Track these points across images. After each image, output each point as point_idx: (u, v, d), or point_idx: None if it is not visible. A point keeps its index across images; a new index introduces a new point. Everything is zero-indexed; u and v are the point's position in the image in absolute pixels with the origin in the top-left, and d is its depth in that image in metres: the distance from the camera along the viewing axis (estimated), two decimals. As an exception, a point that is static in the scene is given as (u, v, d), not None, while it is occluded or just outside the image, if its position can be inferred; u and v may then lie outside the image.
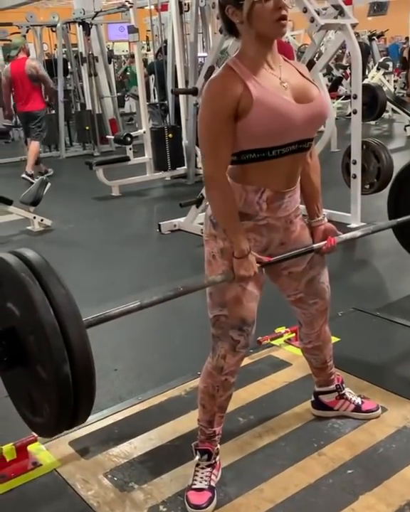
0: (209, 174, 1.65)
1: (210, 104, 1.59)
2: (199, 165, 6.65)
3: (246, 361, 2.62)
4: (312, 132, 1.72)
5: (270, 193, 1.69)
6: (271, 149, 1.62)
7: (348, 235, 1.96)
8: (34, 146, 7.45)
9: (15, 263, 1.38)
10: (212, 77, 1.64)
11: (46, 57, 10.50)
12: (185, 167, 6.82)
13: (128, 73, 11.43)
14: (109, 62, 9.89)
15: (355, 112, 4.46)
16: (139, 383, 2.65)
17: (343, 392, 2.17)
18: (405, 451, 1.99)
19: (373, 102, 4.62)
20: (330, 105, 1.73)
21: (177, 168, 6.86)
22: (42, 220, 5.26)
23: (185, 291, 1.70)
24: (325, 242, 1.86)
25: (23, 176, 7.14)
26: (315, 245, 1.86)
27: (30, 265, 1.38)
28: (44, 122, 7.53)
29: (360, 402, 2.19)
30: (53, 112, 8.96)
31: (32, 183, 5.87)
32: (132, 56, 11.02)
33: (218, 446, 1.93)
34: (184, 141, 6.69)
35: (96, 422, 2.29)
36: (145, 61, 11.01)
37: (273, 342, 2.77)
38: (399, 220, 2.26)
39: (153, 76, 9.40)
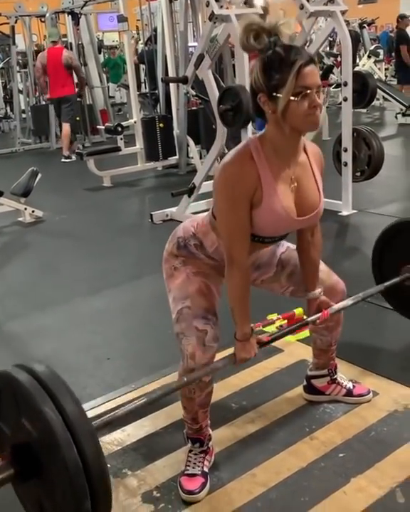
0: (232, 254, 1.68)
1: (230, 191, 1.61)
2: (191, 155, 6.63)
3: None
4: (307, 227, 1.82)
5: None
6: (263, 238, 1.72)
7: (340, 305, 2.01)
8: (66, 128, 8.15)
9: (26, 380, 1.34)
10: (229, 159, 1.63)
11: (35, 48, 10.43)
12: (176, 157, 6.80)
13: (106, 68, 11.20)
14: (99, 52, 9.85)
15: (346, 100, 4.46)
16: (132, 372, 2.65)
17: (335, 376, 2.19)
18: (396, 434, 2.01)
19: (363, 89, 4.59)
20: (322, 208, 1.79)
21: (169, 158, 6.84)
22: (33, 212, 5.25)
23: (188, 381, 1.72)
24: (320, 314, 1.93)
25: (63, 160, 7.95)
26: (310, 319, 1.93)
27: (47, 389, 1.33)
28: (75, 106, 8.38)
29: (351, 387, 2.20)
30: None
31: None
32: (112, 48, 10.96)
33: (210, 433, 1.94)
34: (175, 131, 6.67)
35: (88, 410, 2.29)
36: (135, 50, 10.95)
37: (265, 329, 2.77)
38: (386, 284, 2.31)
39: (143, 66, 9.36)
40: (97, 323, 3.18)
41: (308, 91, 1.50)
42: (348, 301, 2.05)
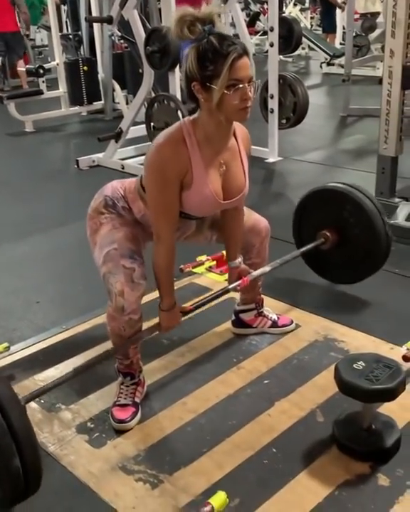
0: (159, 233, 1.73)
1: (161, 172, 1.65)
2: (117, 100, 6.49)
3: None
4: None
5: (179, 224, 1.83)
6: (184, 214, 1.79)
7: (258, 272, 2.12)
8: (22, 65, 7.88)
9: None
10: (162, 140, 1.66)
11: None
12: (102, 102, 6.63)
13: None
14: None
15: (272, 45, 4.47)
16: (62, 314, 2.66)
17: (261, 310, 2.30)
18: (317, 361, 2.14)
19: (289, 35, 4.61)
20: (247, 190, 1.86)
21: (94, 103, 6.66)
22: None
23: (114, 352, 1.83)
24: (239, 282, 2.03)
25: None
26: (230, 286, 2.04)
27: None
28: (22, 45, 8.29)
29: (276, 318, 2.33)
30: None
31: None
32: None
33: (141, 365, 2.01)
34: (100, 75, 6.48)
35: (20, 350, 2.32)
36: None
37: (195, 270, 2.85)
38: (302, 249, 2.46)
39: (64, 7, 8.92)
40: (26, 267, 3.15)
41: (241, 85, 1.54)
42: (266, 268, 2.17)
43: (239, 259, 2.04)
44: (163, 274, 1.79)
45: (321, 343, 2.25)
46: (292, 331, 2.32)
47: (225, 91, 1.54)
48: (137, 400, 1.94)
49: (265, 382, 2.06)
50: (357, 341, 2.25)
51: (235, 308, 2.31)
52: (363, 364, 1.69)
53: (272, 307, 2.41)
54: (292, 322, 2.33)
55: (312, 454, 1.73)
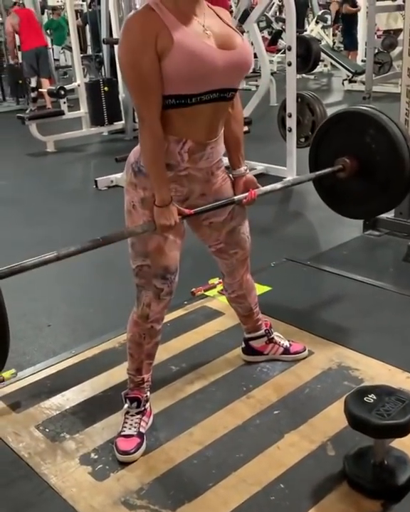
0: (141, 113, 1.60)
1: (127, 42, 1.54)
2: (137, 120, 6.52)
3: (180, 312, 2.67)
4: (235, 81, 1.68)
5: (192, 144, 1.67)
6: (191, 96, 1.58)
7: (268, 188, 1.98)
8: (47, 84, 8.24)
9: None
10: (129, 15, 1.57)
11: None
12: (122, 122, 6.68)
13: (49, 30, 10.75)
14: (42, 13, 9.48)
15: (290, 64, 4.44)
16: (73, 338, 2.64)
17: (272, 336, 2.24)
18: (329, 391, 2.07)
19: (307, 54, 4.60)
20: (252, 54, 1.70)
21: (114, 123, 6.72)
22: (-27, 178, 5.09)
23: (104, 242, 1.68)
24: (246, 194, 1.88)
25: None
26: (236, 197, 1.87)
27: None
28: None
29: (288, 345, 2.26)
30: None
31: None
32: (56, 8, 10.58)
33: (148, 394, 1.96)
34: (121, 95, 6.53)
35: (28, 376, 2.29)
36: (80, 11, 10.59)
37: (207, 293, 2.81)
38: (318, 173, 2.28)
39: (88, 27, 9.08)
40: (38, 289, 3.14)
41: None
42: (277, 185, 2.03)
43: (244, 167, 1.89)
44: (152, 164, 1.64)
45: (334, 371, 2.18)
46: (304, 358, 2.25)
47: None
48: (142, 430, 1.89)
49: (275, 412, 1.99)
50: (372, 370, 2.17)
51: (245, 335, 2.25)
52: (374, 397, 1.62)
53: (283, 332, 2.35)
54: (305, 349, 2.26)
55: (321, 490, 1.66)
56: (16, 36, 8.31)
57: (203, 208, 1.81)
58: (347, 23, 9.65)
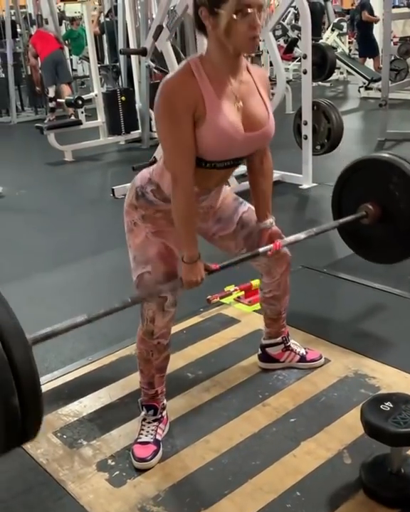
0: (175, 173, 1.63)
1: (168, 106, 1.56)
2: (154, 128, 6.57)
3: (196, 319, 2.68)
4: (252, 152, 1.75)
5: (198, 190, 1.72)
6: (207, 162, 1.64)
7: (292, 238, 2.00)
8: (67, 90, 8.14)
9: None
10: (169, 76, 1.60)
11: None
12: (139, 131, 6.73)
13: (68, 40, 10.88)
14: (60, 24, 9.61)
15: (305, 72, 4.46)
16: (90, 345, 2.66)
17: (288, 344, 2.24)
18: (346, 398, 2.07)
19: (323, 62, 4.61)
20: (273, 127, 1.74)
21: (131, 132, 6.77)
22: (-8, 187, 5.16)
23: (133, 302, 1.72)
24: (271, 246, 1.91)
25: None
26: (261, 249, 1.90)
27: None
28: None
29: (304, 353, 2.26)
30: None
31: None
32: (74, 19, 10.71)
33: (164, 401, 1.97)
34: (138, 104, 6.60)
35: (46, 383, 2.30)
36: (97, 21, 10.69)
37: (223, 300, 2.82)
38: (341, 221, 2.29)
39: (105, 37, 9.18)
40: (56, 297, 3.17)
41: (249, 10, 1.47)
42: (300, 235, 2.05)
43: (271, 220, 1.91)
44: (182, 222, 1.67)
45: (351, 379, 2.17)
46: (321, 366, 2.25)
47: (234, 16, 1.47)
48: (159, 437, 1.90)
49: (292, 420, 1.99)
50: (389, 378, 2.16)
51: (262, 342, 2.26)
52: (391, 405, 1.61)
53: (300, 340, 2.35)
54: (321, 357, 2.26)
55: (338, 498, 1.66)
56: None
57: (228, 262, 1.86)
58: (362, 30, 9.63)
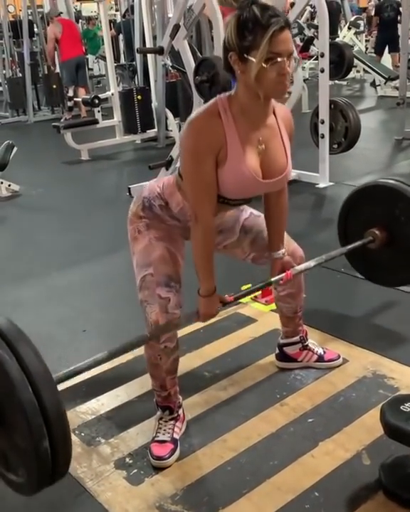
0: (197, 212, 1.65)
1: (194, 145, 1.59)
2: (170, 127, 6.57)
3: (213, 319, 2.67)
4: (269, 192, 1.80)
5: None
6: (223, 198, 1.69)
7: (302, 267, 2.02)
8: (84, 92, 8.37)
9: None
10: (196, 115, 1.61)
11: (11, 19, 10.18)
12: (155, 130, 6.74)
13: (84, 39, 10.90)
14: (77, 23, 9.63)
15: (322, 71, 4.43)
16: (107, 343, 2.64)
17: (306, 343, 2.23)
18: (364, 399, 2.05)
19: (340, 60, 4.58)
20: (291, 171, 1.78)
21: (147, 131, 6.78)
22: (9, 185, 5.19)
23: (151, 336, 1.75)
24: (283, 275, 1.93)
25: None
26: (273, 279, 1.94)
27: (4, 337, 1.34)
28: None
29: (322, 353, 2.25)
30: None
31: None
32: (90, 19, 10.76)
33: (180, 400, 1.97)
34: (154, 103, 6.60)
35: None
36: (113, 21, 10.73)
37: (239, 300, 2.80)
38: (348, 247, 2.30)
39: (122, 36, 9.21)
40: (73, 295, 3.18)
41: (279, 59, 1.48)
42: (310, 263, 2.06)
43: (282, 250, 1.94)
44: (201, 259, 1.71)
45: (369, 379, 2.16)
46: (339, 366, 2.24)
47: (263, 64, 1.47)
48: (176, 436, 1.90)
49: (310, 420, 1.98)
50: (408, 378, 2.14)
51: (279, 341, 2.25)
52: (411, 406, 1.60)
53: (317, 340, 2.34)
54: (339, 357, 2.25)
55: (357, 499, 1.65)
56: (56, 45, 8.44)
57: (240, 293, 1.90)
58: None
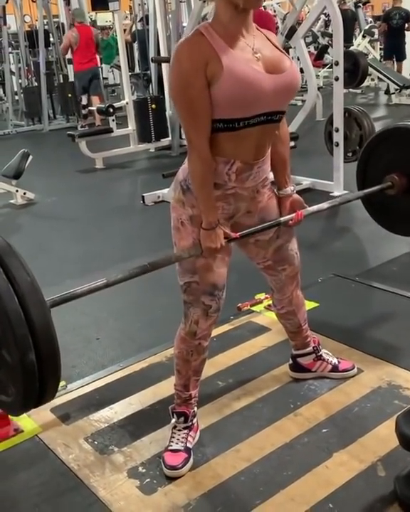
0: (191, 140, 1.63)
1: (178, 67, 1.57)
2: (183, 136, 6.60)
3: (226, 327, 2.67)
4: (283, 104, 1.70)
5: (240, 165, 1.69)
6: (239, 120, 1.60)
7: (315, 208, 1.97)
8: (97, 101, 8.43)
9: None
10: (180, 41, 1.61)
11: (27, 29, 10.31)
12: (169, 138, 6.77)
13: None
14: (92, 33, 9.69)
15: (337, 79, 4.43)
16: (120, 351, 2.68)
17: (320, 353, 2.21)
18: (379, 410, 2.03)
19: (355, 69, 4.58)
20: (300, 76, 1.70)
21: (161, 140, 6.81)
22: (25, 193, 5.24)
23: (152, 267, 1.72)
24: (293, 215, 1.88)
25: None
26: (282, 219, 1.87)
27: None
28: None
29: (337, 363, 2.23)
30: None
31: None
32: (104, 28, 10.84)
33: (195, 409, 1.97)
34: (168, 112, 6.63)
35: (77, 388, 2.32)
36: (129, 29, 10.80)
37: (253, 308, 2.80)
38: (366, 191, 2.24)
39: (136, 45, 9.28)
40: (87, 304, 3.16)
41: None
42: (324, 205, 2.01)
43: (291, 187, 1.87)
44: (200, 188, 1.66)
45: (384, 390, 2.14)
46: (353, 376, 2.21)
47: None
48: (189, 445, 1.89)
49: (324, 431, 1.96)
50: (423, 389, 2.12)
51: (293, 352, 2.23)
52: (427, 417, 1.58)
53: (332, 349, 2.32)
54: (353, 367, 2.23)
55: (372, 511, 1.63)
56: (69, 51, 8.46)
57: (248, 230, 1.82)
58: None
